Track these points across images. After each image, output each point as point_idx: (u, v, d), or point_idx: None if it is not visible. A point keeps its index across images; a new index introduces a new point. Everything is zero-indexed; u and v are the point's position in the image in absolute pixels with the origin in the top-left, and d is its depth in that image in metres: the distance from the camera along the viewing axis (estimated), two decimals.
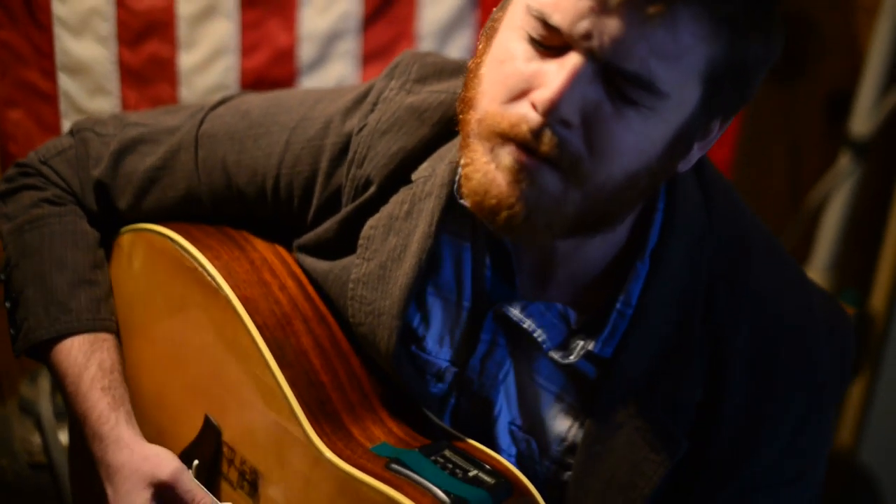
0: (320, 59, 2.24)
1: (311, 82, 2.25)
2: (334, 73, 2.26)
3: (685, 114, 1.27)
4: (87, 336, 1.61)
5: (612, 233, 1.38)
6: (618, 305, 1.41)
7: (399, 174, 1.51)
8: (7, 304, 1.66)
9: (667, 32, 1.20)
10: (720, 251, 1.43)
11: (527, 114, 1.25)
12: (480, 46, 1.34)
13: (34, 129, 2.25)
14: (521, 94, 1.26)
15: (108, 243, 1.72)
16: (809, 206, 2.72)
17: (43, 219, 1.66)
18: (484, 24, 2.16)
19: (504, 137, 1.27)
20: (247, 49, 2.22)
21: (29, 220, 1.66)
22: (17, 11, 2.18)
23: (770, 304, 1.44)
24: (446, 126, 1.47)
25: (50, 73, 2.22)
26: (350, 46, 2.24)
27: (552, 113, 1.23)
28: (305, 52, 2.24)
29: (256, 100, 1.66)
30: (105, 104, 2.22)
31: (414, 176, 1.49)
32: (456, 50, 2.28)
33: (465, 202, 1.33)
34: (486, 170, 1.29)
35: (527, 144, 1.25)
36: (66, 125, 2.25)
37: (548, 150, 1.24)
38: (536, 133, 1.25)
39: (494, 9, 1.36)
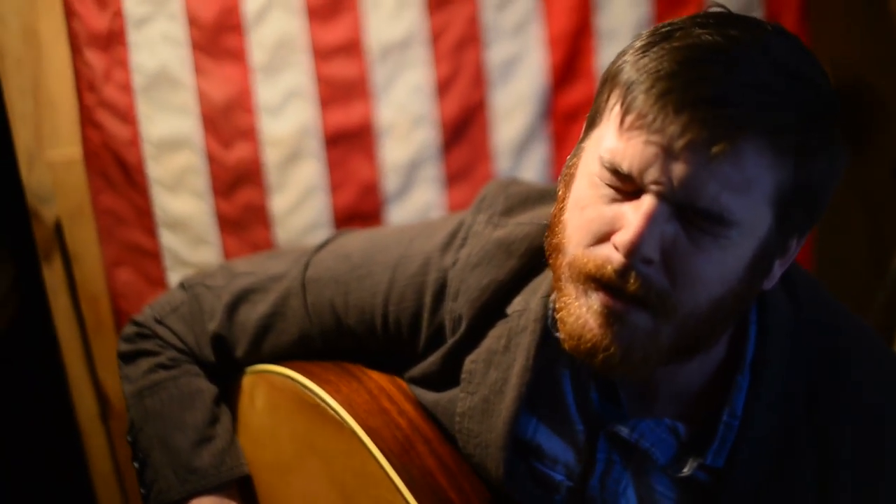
0: (405, 188, 2.34)
1: (398, 211, 2.34)
2: (420, 199, 2.35)
3: (760, 238, 1.34)
4: (213, 497, 1.70)
5: (709, 352, 1.45)
6: (724, 417, 1.47)
7: (492, 306, 1.59)
8: (135, 465, 1.76)
9: (732, 167, 1.28)
10: (814, 353, 1.49)
11: (610, 255, 1.34)
12: (561, 193, 1.43)
13: (142, 285, 2.36)
14: (603, 238, 1.35)
15: (229, 386, 1.81)
16: (893, 273, 2.74)
17: (161, 384, 1.76)
18: (555, 134, 2.26)
19: (592, 280, 1.35)
20: (334, 186, 2.32)
21: (148, 386, 1.76)
22: (114, 177, 2.31)
23: (869, 400, 1.49)
24: (534, 257, 1.56)
25: (151, 231, 2.33)
26: (432, 172, 2.34)
27: (633, 253, 1.31)
28: (390, 183, 2.33)
29: (355, 241, 1.75)
30: (207, 254, 2.33)
31: (509, 310, 1.57)
32: (532, 163, 2.36)
33: (563, 344, 1.41)
34: (579, 314, 1.37)
35: (614, 286, 1.33)
36: (171, 277, 2.35)
37: (634, 289, 1.32)
38: (621, 273, 1.33)
39: (568, 157, 1.45)
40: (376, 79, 2.30)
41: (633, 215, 1.32)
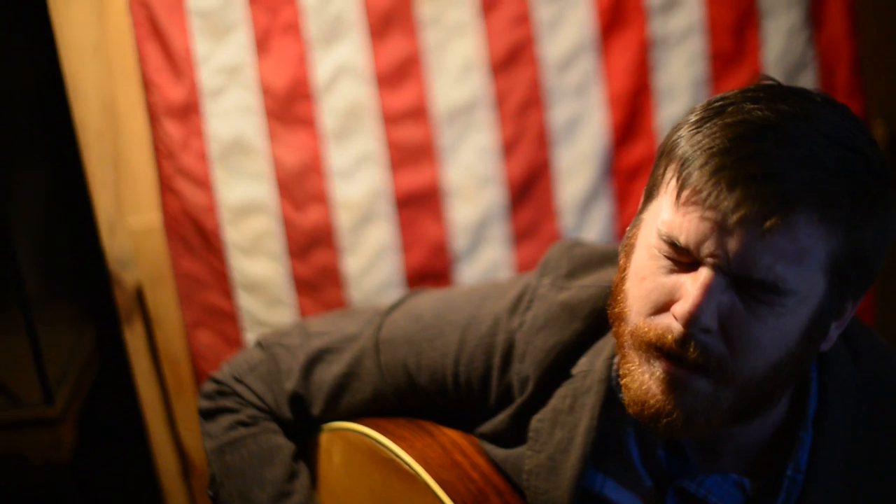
0: (473, 247, 2.40)
1: (467, 269, 2.40)
2: (488, 258, 2.41)
3: (816, 303, 1.38)
4: None
5: (771, 409, 1.49)
6: (788, 472, 1.51)
7: (557, 367, 1.65)
8: None
9: (786, 240, 1.33)
10: (875, 405, 1.52)
11: (671, 325, 1.39)
12: (622, 263, 1.49)
13: (220, 345, 2.44)
14: (663, 307, 1.41)
15: (306, 443, 1.87)
16: None
17: (241, 440, 1.83)
18: (618, 191, 2.32)
19: (654, 348, 1.40)
20: (405, 247, 2.39)
21: (228, 443, 1.83)
22: (193, 242, 2.39)
23: None
24: (597, 319, 1.61)
25: (229, 293, 2.41)
26: (499, 231, 2.40)
27: (692, 324, 1.37)
28: (459, 242, 2.39)
29: (426, 302, 1.82)
30: (283, 315, 2.40)
31: (574, 371, 1.63)
32: (596, 220, 2.42)
33: (627, 409, 1.46)
34: (642, 380, 1.43)
35: (675, 354, 1.39)
36: (248, 338, 2.43)
37: (694, 357, 1.38)
38: (681, 342, 1.38)
39: (628, 227, 1.51)
40: (443, 142, 2.37)
41: (691, 287, 1.37)
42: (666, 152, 1.44)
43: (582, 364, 1.63)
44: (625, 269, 1.48)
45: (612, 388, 1.58)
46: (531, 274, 1.75)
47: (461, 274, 2.42)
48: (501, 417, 1.70)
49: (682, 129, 1.42)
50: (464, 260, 2.42)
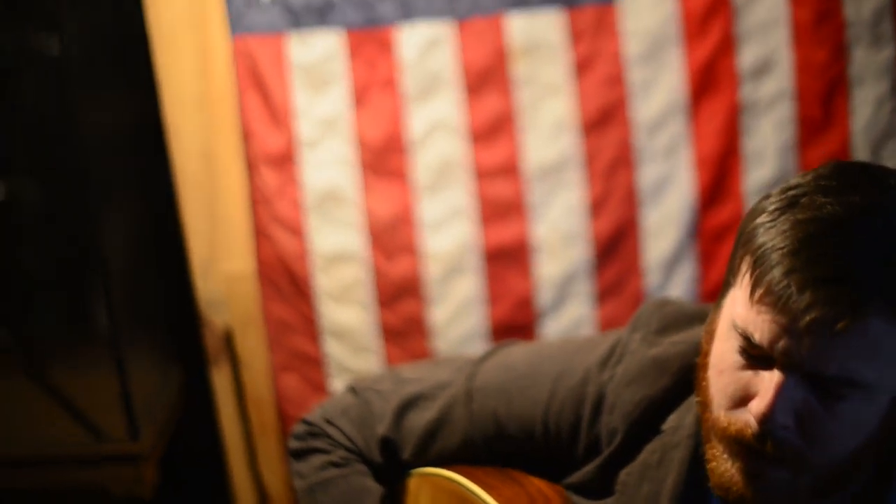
0: (558, 303, 2.43)
1: (551, 324, 2.43)
2: (572, 313, 2.44)
3: (894, 390, 1.40)
4: None
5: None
6: None
7: (646, 422, 1.67)
8: None
9: (858, 337, 1.34)
10: None
11: (749, 420, 1.43)
12: (705, 346, 1.53)
13: (306, 389, 2.49)
14: (741, 402, 1.44)
15: (395, 487, 1.90)
16: None
17: (331, 481, 1.87)
18: (703, 252, 2.34)
19: (735, 442, 1.44)
20: (492, 300, 2.43)
21: (319, 483, 1.87)
22: (284, 287, 2.45)
23: None
24: (687, 375, 1.64)
25: (316, 339, 2.47)
26: (584, 287, 2.43)
27: (768, 422, 1.40)
28: (544, 297, 2.43)
29: (518, 353, 1.85)
30: (368, 361, 2.45)
31: (663, 426, 1.65)
32: (680, 280, 2.44)
33: (713, 491, 1.49)
34: (725, 468, 1.46)
35: (754, 449, 1.42)
36: (332, 383, 2.48)
37: (772, 451, 1.41)
38: (759, 439, 1.42)
39: (711, 310, 1.54)
40: (533, 198, 2.42)
41: (767, 384, 1.40)
42: (743, 241, 1.46)
43: (671, 420, 1.66)
44: (707, 355, 1.52)
45: (700, 444, 1.60)
46: (623, 329, 1.79)
47: (545, 328, 2.45)
48: (589, 469, 1.72)
49: (759, 218, 1.44)
50: (548, 315, 2.45)
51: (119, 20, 2.52)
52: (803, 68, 2.39)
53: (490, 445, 1.83)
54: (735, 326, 1.43)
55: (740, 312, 1.42)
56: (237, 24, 2.36)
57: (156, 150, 2.51)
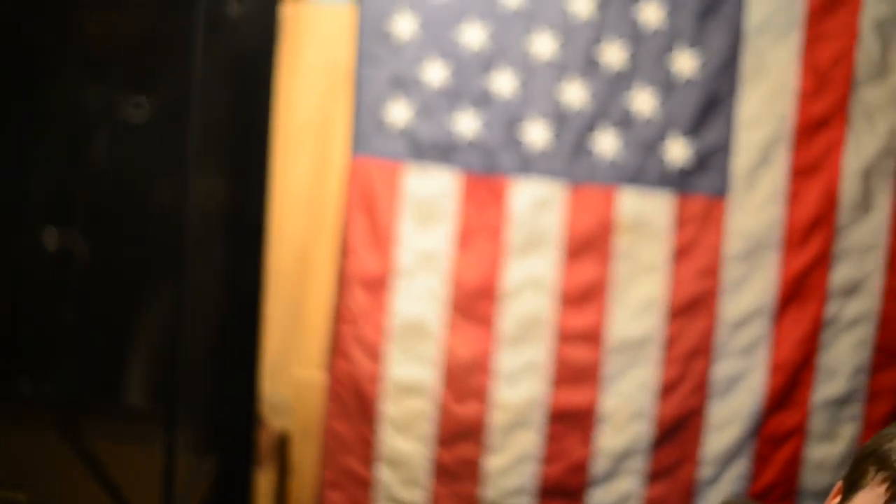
0: (611, 475, 2.46)
1: (599, 494, 2.46)
2: (622, 488, 2.47)
3: None
4: None
5: None
6: None
7: None
8: None
9: None
10: None
11: None
12: None
13: None
14: None
15: None
16: None
17: None
18: (760, 453, 2.38)
19: None
20: (548, 459, 2.45)
21: None
22: (350, 406, 2.48)
23: None
24: None
25: (370, 463, 2.48)
26: (639, 465, 2.46)
27: None
28: (599, 466, 2.46)
29: None
30: (416, 495, 2.47)
31: None
32: (732, 477, 2.48)
33: None
34: None
35: None
36: None
37: None
38: None
39: None
40: (609, 369, 2.46)
41: None
42: (875, 460, 1.51)
43: None
44: None
45: None
46: None
47: (593, 497, 2.47)
48: None
49: (894, 442, 1.50)
50: (599, 485, 2.47)
51: (242, 107, 2.59)
52: (891, 297, 2.45)
53: None
54: None
55: None
56: (360, 144, 2.42)
57: (239, 241, 2.55)
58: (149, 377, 2.67)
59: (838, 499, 1.59)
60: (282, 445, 2.52)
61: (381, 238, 2.43)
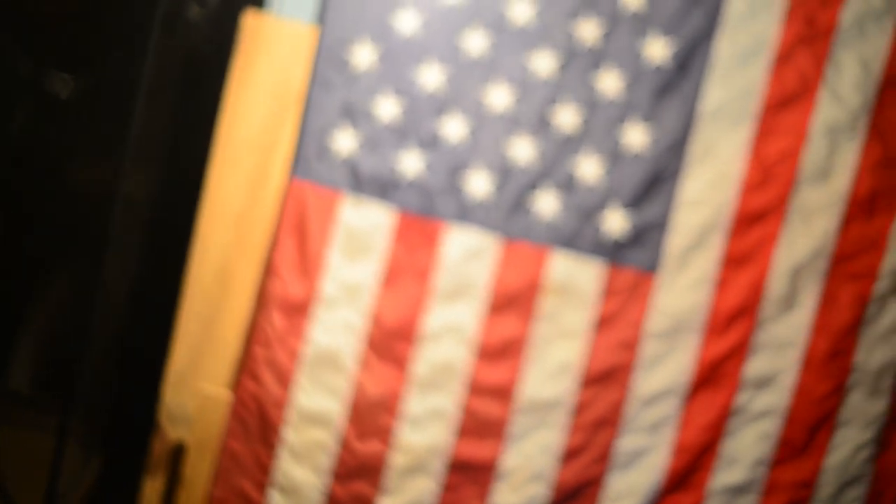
0: None
1: None
2: None
3: None
4: None
5: None
6: None
7: None
8: None
9: None
10: None
11: None
12: None
13: None
14: None
15: None
16: None
17: None
18: None
19: None
20: None
21: None
22: (251, 427, 2.44)
23: None
24: None
25: (263, 487, 2.45)
26: None
27: None
28: None
29: None
30: None
31: None
32: None
33: None
34: None
35: None
36: None
37: None
38: None
39: None
40: (514, 427, 2.45)
41: None
42: None
43: None
44: None
45: None
46: None
47: None
48: None
49: None
50: None
51: (187, 109, 2.55)
52: (801, 394, 2.47)
53: None
54: None
55: None
56: (301, 168, 2.39)
57: (163, 243, 2.51)
58: (46, 364, 2.61)
59: None
60: (175, 456, 2.48)
61: (308, 264, 2.40)
